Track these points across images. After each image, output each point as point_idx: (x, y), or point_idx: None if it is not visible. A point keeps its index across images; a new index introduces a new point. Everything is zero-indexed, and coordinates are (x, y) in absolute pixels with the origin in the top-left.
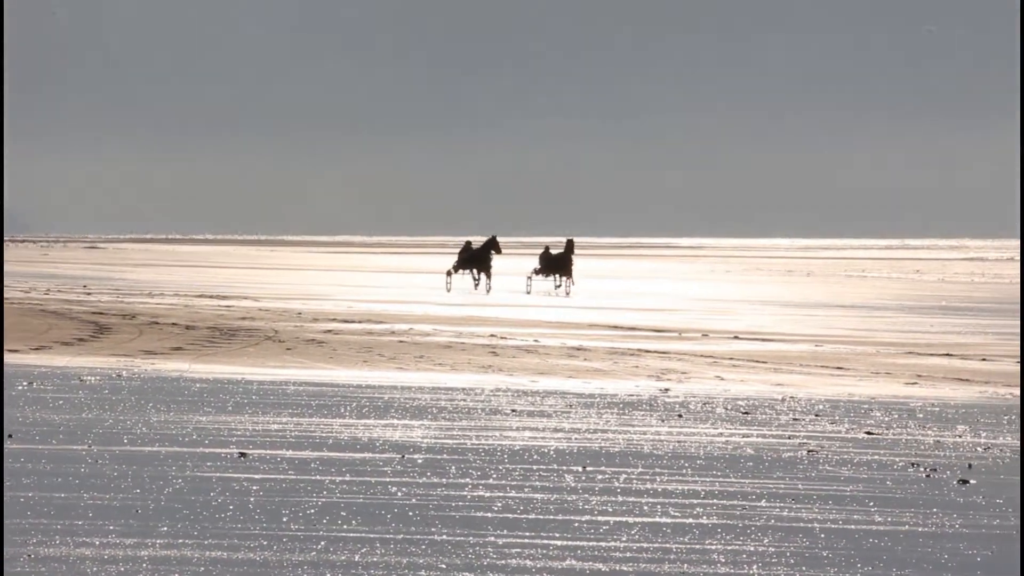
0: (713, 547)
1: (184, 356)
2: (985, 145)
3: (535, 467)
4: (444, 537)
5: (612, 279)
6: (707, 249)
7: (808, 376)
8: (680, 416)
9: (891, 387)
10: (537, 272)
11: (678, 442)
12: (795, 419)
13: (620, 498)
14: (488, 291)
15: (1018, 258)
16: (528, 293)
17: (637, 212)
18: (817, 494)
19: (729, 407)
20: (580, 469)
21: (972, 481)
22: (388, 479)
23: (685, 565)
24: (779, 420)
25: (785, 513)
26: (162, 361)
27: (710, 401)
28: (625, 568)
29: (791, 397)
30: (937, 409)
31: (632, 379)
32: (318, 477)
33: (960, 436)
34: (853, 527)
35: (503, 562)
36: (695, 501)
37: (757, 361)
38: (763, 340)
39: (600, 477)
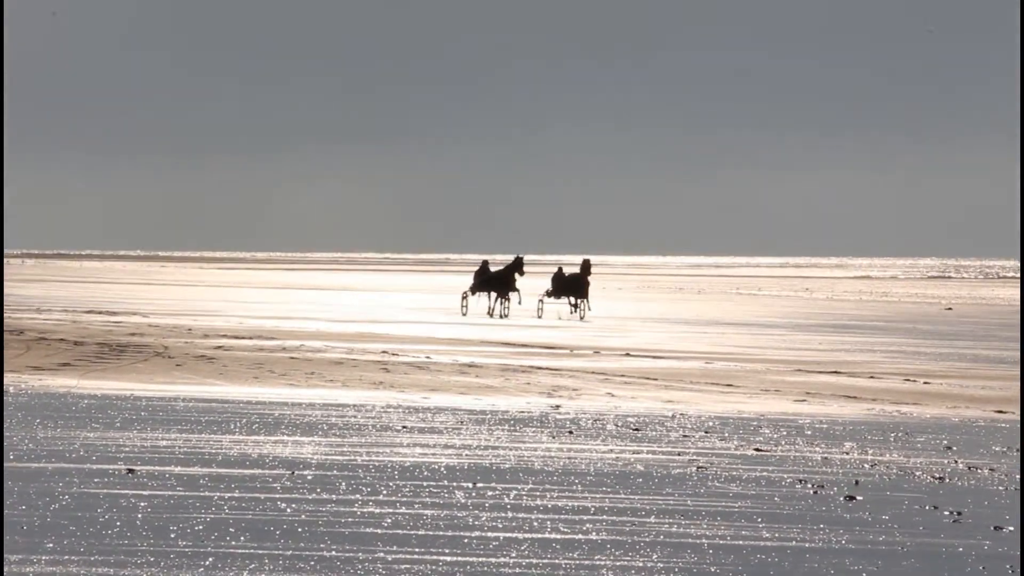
0: (602, 563)
1: (72, 372)
2: (873, 166)
3: (425, 483)
4: (333, 553)
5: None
6: (599, 267)
7: (698, 393)
8: (571, 433)
9: (780, 404)
10: (549, 294)
11: (568, 458)
12: (685, 436)
13: (510, 514)
14: (505, 315)
15: (899, 275)
16: (539, 317)
17: (531, 229)
18: (706, 510)
19: (620, 424)
20: (471, 485)
21: (859, 497)
22: (278, 495)
23: None
24: (669, 437)
25: (674, 529)
26: (50, 377)
27: (601, 418)
28: None
29: (681, 414)
30: (825, 426)
31: (523, 396)
32: (207, 493)
33: (847, 453)
34: (741, 543)
35: None
36: (585, 517)
37: (648, 378)
38: (654, 357)
39: (490, 493)
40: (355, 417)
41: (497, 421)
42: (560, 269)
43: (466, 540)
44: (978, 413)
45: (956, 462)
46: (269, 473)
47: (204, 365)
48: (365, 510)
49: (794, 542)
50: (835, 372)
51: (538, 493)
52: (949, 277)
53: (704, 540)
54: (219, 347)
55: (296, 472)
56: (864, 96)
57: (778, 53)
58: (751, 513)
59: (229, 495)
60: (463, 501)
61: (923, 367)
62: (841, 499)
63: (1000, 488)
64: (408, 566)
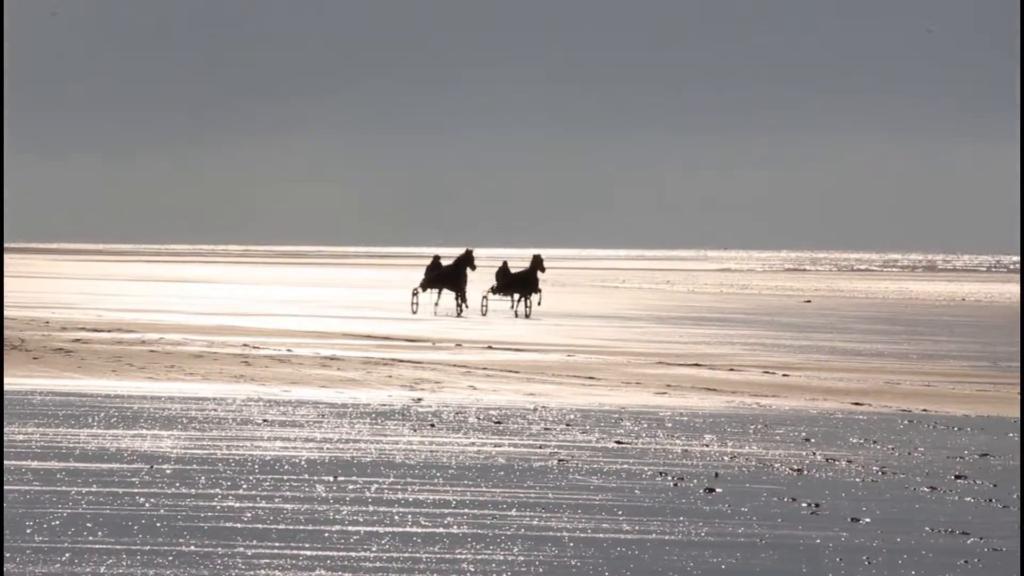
0: (463, 556)
1: None
2: (727, 163)
3: (286, 477)
4: (192, 548)
5: (362, 288)
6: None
7: (560, 386)
8: (432, 426)
9: (641, 397)
10: (495, 291)
11: (430, 452)
12: (546, 428)
13: (371, 508)
14: (461, 313)
15: (758, 268)
16: (484, 315)
17: (377, 220)
18: (567, 503)
19: (481, 417)
20: (331, 479)
21: (718, 490)
22: (136, 490)
23: (435, 575)
24: (531, 429)
25: (535, 522)
26: None
27: (463, 411)
28: None
29: (543, 407)
30: (686, 419)
31: (385, 389)
32: (64, 488)
33: (708, 445)
34: (602, 536)
35: (251, 573)
36: (446, 511)
37: (510, 371)
38: (516, 350)
39: (351, 487)
40: (215, 411)
41: (358, 414)
42: (505, 264)
43: (326, 534)
44: (836, 405)
45: (814, 454)
46: (127, 467)
47: (62, 358)
48: (225, 504)
49: (654, 534)
50: (696, 364)
51: (399, 487)
52: (805, 270)
53: (565, 533)
54: (77, 340)
55: (155, 466)
56: (708, 91)
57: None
58: (612, 506)
59: (87, 490)
60: (324, 495)
61: (782, 359)
62: (701, 491)
63: (857, 480)
64: (268, 560)
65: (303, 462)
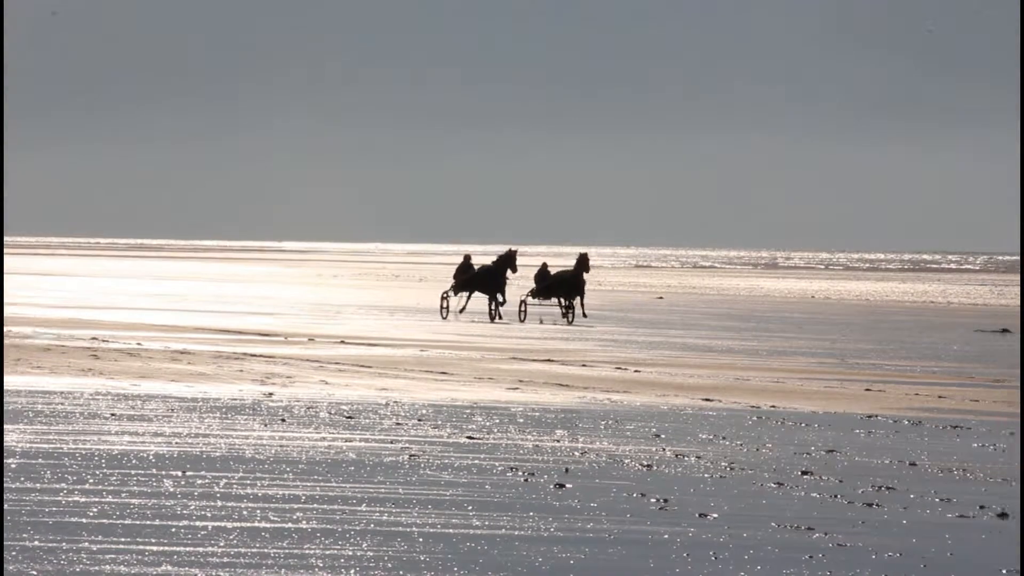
0: (312, 552)
1: None
2: (578, 162)
3: (133, 472)
4: (36, 543)
5: (219, 282)
6: (315, 254)
7: (412, 381)
8: (283, 420)
9: (493, 392)
10: (534, 295)
11: (280, 447)
12: (398, 423)
13: (219, 503)
14: (495, 319)
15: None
16: (522, 321)
17: (250, 216)
18: (417, 498)
19: (333, 411)
20: (180, 474)
21: (569, 485)
22: None
23: (283, 570)
24: (382, 424)
25: (385, 517)
26: None
27: (314, 405)
28: (222, 573)
29: (395, 401)
30: (537, 414)
31: (236, 383)
32: None
33: (559, 441)
34: (452, 531)
35: (97, 568)
36: (295, 506)
37: (363, 366)
38: (369, 345)
39: (200, 482)
40: (62, 404)
41: (208, 409)
42: (545, 265)
43: (174, 529)
44: (686, 401)
45: (664, 449)
46: None
47: None
48: (71, 499)
49: (504, 530)
50: (548, 360)
51: (248, 482)
52: (652, 266)
53: (415, 528)
54: None
55: None
56: (579, 91)
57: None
58: (462, 501)
59: None
60: (172, 490)
61: (634, 355)
62: (551, 487)
63: (706, 475)
64: (114, 556)
65: (151, 457)
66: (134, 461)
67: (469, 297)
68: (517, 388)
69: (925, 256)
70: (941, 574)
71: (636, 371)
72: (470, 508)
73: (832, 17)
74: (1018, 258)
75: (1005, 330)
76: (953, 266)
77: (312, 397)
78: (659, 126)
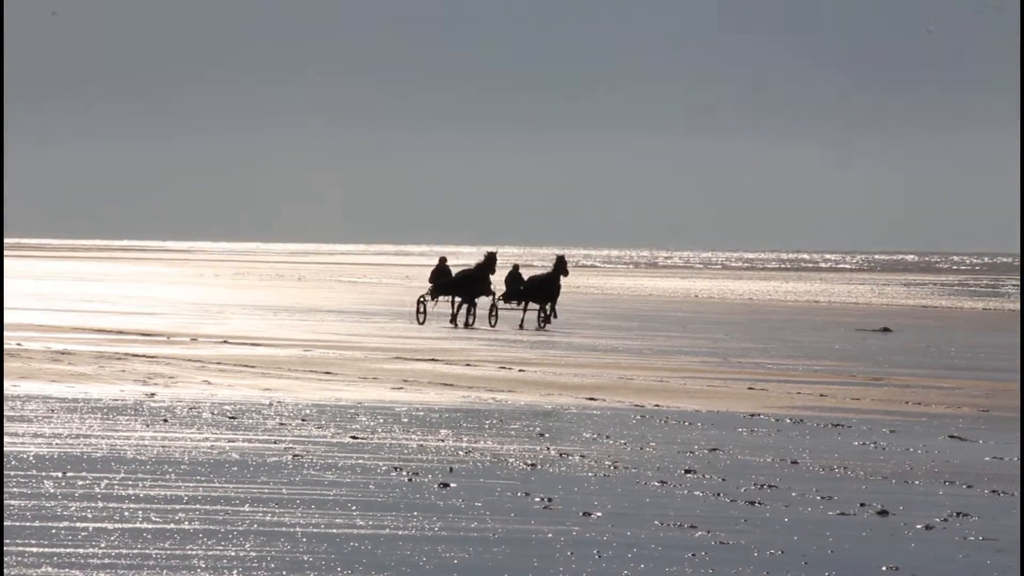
0: (194, 552)
1: None
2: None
3: (13, 473)
4: None
5: (98, 282)
6: (197, 253)
7: (296, 381)
8: (166, 421)
9: (378, 392)
10: (506, 299)
11: (163, 447)
12: (281, 424)
13: (100, 504)
14: (470, 324)
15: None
16: (493, 326)
17: (125, 214)
18: (300, 498)
19: (216, 412)
20: (60, 475)
21: (453, 484)
22: None
23: (165, 571)
24: (266, 425)
25: (268, 518)
26: None
27: (196, 406)
28: (103, 575)
29: (278, 402)
30: (422, 413)
31: (118, 383)
32: None
33: (443, 440)
34: (335, 531)
35: None
36: (177, 506)
37: (246, 365)
38: (252, 344)
39: (80, 483)
40: None
41: (90, 409)
42: (516, 268)
43: (54, 530)
44: (570, 400)
45: (548, 449)
46: None
47: None
48: None
49: (388, 529)
50: (432, 360)
51: (130, 482)
52: (533, 265)
53: (298, 528)
54: None
55: None
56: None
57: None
58: (345, 501)
59: None
60: (52, 491)
61: (518, 355)
62: (435, 486)
63: (590, 474)
64: None
65: (31, 458)
66: (14, 462)
67: (454, 302)
68: (401, 388)
69: (804, 256)
70: (822, 571)
71: (521, 370)
72: (354, 508)
73: (708, 16)
74: (888, 257)
75: (886, 329)
76: (830, 265)
77: (195, 397)
78: (541, 127)
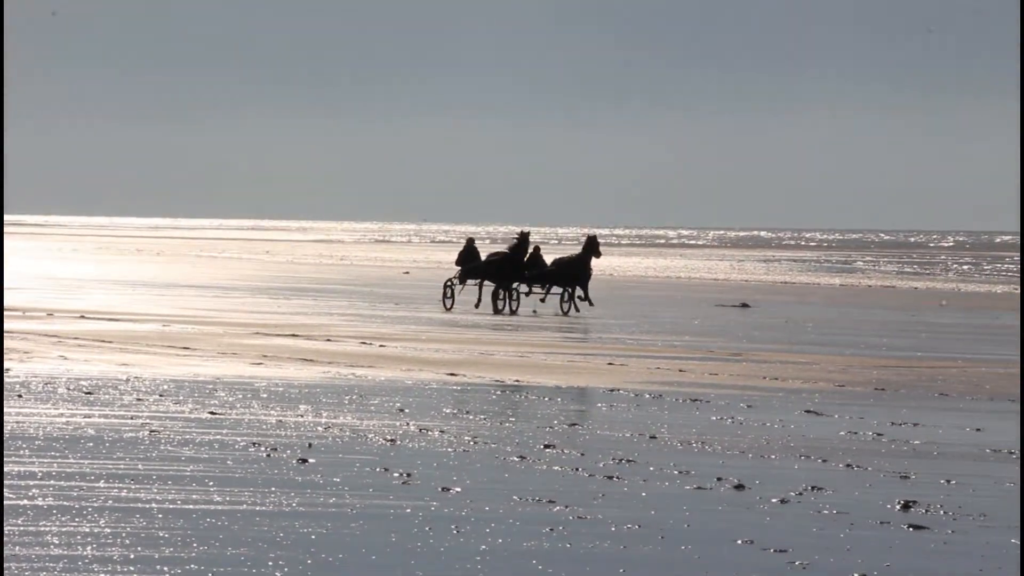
0: (48, 529)
1: None
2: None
3: None
4: None
5: None
6: (53, 227)
7: (154, 356)
8: (20, 396)
9: (237, 367)
10: (529, 282)
11: (16, 423)
12: (139, 399)
13: None
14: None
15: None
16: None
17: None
18: (157, 474)
19: (72, 387)
20: None
21: (311, 460)
22: None
23: (18, 548)
24: (123, 400)
25: (123, 494)
26: None
27: (52, 381)
28: None
29: (136, 377)
30: (281, 389)
31: None
32: None
33: (302, 416)
34: (192, 507)
35: None
36: (31, 483)
37: (103, 341)
38: (110, 320)
39: None
40: None
41: None
42: (537, 248)
43: None
44: (431, 376)
45: (408, 424)
46: None
47: None
48: None
49: (245, 505)
50: (293, 335)
51: None
52: (392, 241)
53: (154, 504)
54: None
55: None
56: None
57: None
58: (203, 476)
59: None
60: None
61: (379, 330)
62: (294, 462)
63: (449, 450)
64: None
65: None
66: None
67: (481, 287)
68: (261, 363)
69: (658, 232)
70: (679, 544)
71: (381, 346)
72: (211, 484)
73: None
74: (748, 233)
75: (744, 304)
76: (682, 242)
77: (50, 372)
78: (387, 109)
